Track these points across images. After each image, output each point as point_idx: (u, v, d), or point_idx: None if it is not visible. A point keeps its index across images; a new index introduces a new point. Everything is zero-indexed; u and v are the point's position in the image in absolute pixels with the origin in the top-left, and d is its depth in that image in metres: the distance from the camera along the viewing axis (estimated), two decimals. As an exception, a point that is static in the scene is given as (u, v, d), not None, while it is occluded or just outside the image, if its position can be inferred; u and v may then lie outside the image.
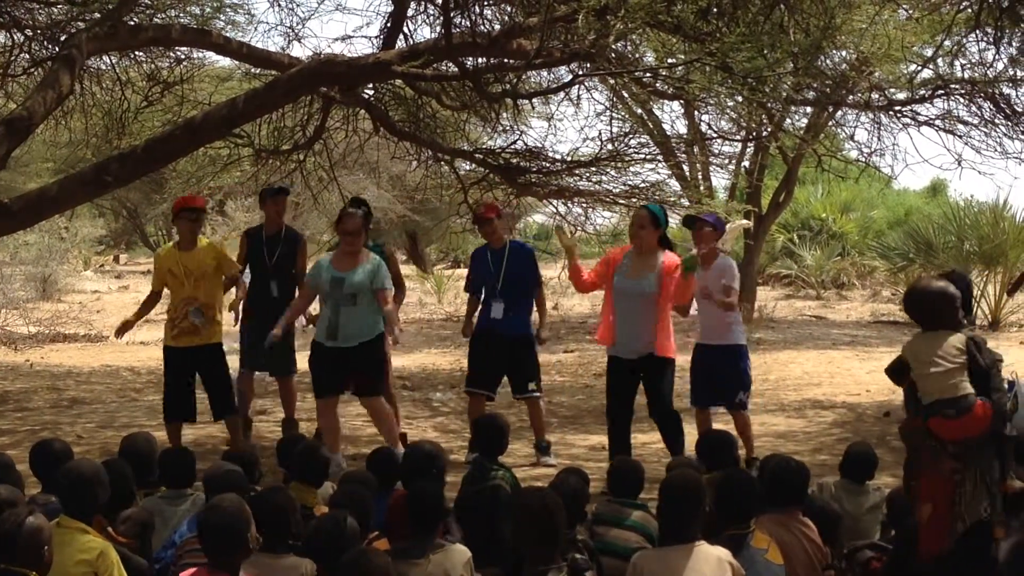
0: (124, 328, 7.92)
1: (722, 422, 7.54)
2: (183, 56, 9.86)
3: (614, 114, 10.08)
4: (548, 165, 9.34)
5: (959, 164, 10.56)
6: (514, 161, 9.25)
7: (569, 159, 9.29)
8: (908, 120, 11.12)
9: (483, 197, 9.75)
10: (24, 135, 7.41)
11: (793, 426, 9.35)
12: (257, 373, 8.89)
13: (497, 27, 8.39)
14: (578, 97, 9.32)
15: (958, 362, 4.48)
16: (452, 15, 7.73)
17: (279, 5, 9.51)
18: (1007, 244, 16.46)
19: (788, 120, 11.64)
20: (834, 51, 9.11)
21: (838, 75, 9.67)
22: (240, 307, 8.37)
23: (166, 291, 8.03)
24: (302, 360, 8.35)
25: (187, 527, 4.81)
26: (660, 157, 10.51)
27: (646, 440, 7.93)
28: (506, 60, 8.28)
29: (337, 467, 6.66)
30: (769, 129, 10.74)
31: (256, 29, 29.16)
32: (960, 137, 10.90)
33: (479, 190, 9.89)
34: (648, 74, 8.13)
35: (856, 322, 17.89)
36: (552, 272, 15.83)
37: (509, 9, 8.61)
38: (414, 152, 10.49)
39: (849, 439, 7.70)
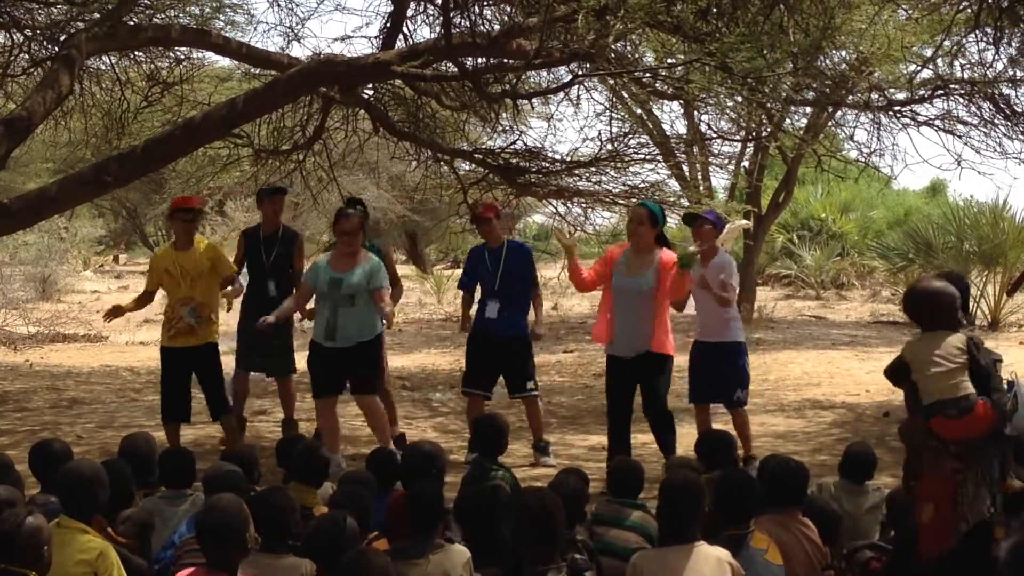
0: (114, 312, 7.91)
1: (721, 422, 7.54)
2: (183, 56, 9.86)
3: (614, 114, 10.08)
4: (548, 165, 9.34)
5: (959, 164, 10.58)
6: (514, 161, 9.25)
7: (569, 159, 9.29)
8: (908, 120, 11.13)
9: (483, 197, 9.75)
10: (24, 135, 7.41)
11: (793, 426, 9.35)
12: (257, 373, 8.90)
13: (497, 27, 8.39)
14: (578, 97, 9.33)
15: (959, 362, 4.48)
16: (452, 15, 7.73)
17: (279, 5, 9.53)
18: (1007, 244, 16.45)
19: (788, 120, 11.64)
20: (834, 51, 9.12)
21: (838, 75, 9.67)
22: (232, 296, 8.36)
23: (163, 292, 8.03)
24: (301, 360, 8.35)
25: (186, 527, 4.80)
26: (660, 157, 10.51)
27: (646, 440, 7.93)
28: (506, 60, 8.29)
29: (337, 467, 6.66)
30: (769, 129, 10.74)
31: (256, 29, 29.19)
32: (960, 137, 10.92)
33: (479, 190, 9.89)
34: (648, 74, 8.13)
35: (856, 322, 17.89)
36: (552, 272, 15.83)
37: (509, 9, 8.61)
38: (414, 152, 10.49)
39: (849, 439, 7.70)
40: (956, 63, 10.00)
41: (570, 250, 7.61)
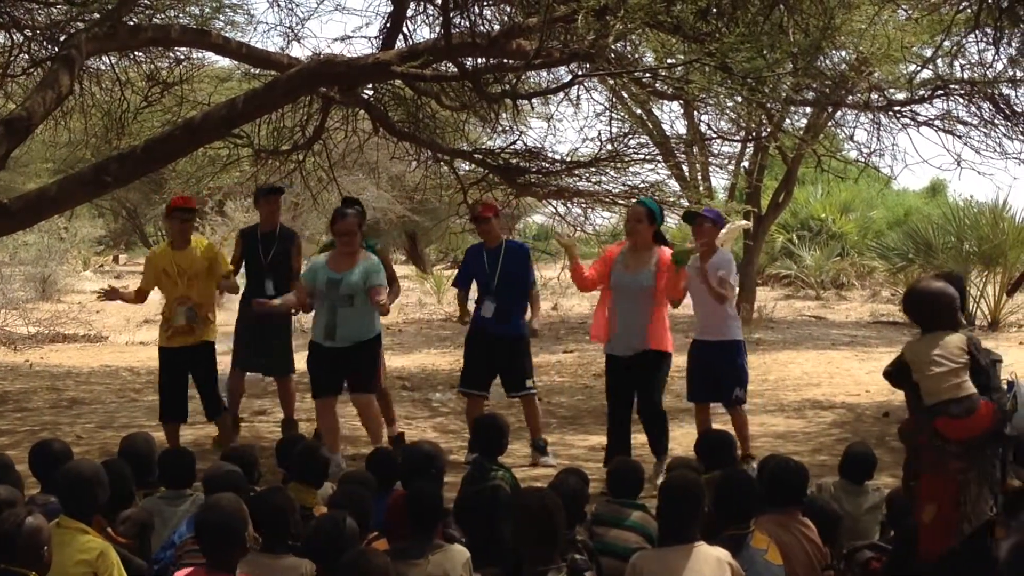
0: (111, 294, 7.92)
1: (721, 422, 7.54)
2: (182, 56, 9.87)
3: (613, 114, 10.09)
4: (547, 165, 9.34)
5: (958, 164, 10.60)
6: (513, 161, 9.25)
7: (568, 159, 9.29)
8: (907, 120, 11.15)
9: (483, 197, 9.75)
10: (23, 135, 7.41)
11: (792, 426, 9.34)
12: (256, 374, 8.91)
13: (496, 27, 8.39)
14: (577, 97, 9.34)
15: (961, 362, 4.48)
16: (451, 15, 7.74)
17: (278, 5, 9.55)
18: (1006, 244, 16.45)
19: (787, 120, 11.66)
20: (833, 51, 9.12)
21: (837, 75, 9.68)
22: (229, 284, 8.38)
23: (159, 292, 8.03)
24: (300, 361, 8.36)
25: (186, 527, 4.80)
26: (659, 157, 10.50)
27: (646, 440, 7.92)
28: (505, 60, 8.29)
29: (337, 467, 6.66)
30: (768, 129, 10.74)
31: (255, 29, 29.24)
32: (959, 137, 10.93)
33: (478, 190, 9.89)
34: (647, 74, 8.14)
35: (855, 322, 17.89)
36: (552, 272, 15.83)
37: (508, 9, 8.61)
38: (413, 152, 10.49)
39: (848, 439, 7.70)
40: (956, 63, 10.02)
41: (571, 250, 7.61)
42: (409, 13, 8.69)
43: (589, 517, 5.16)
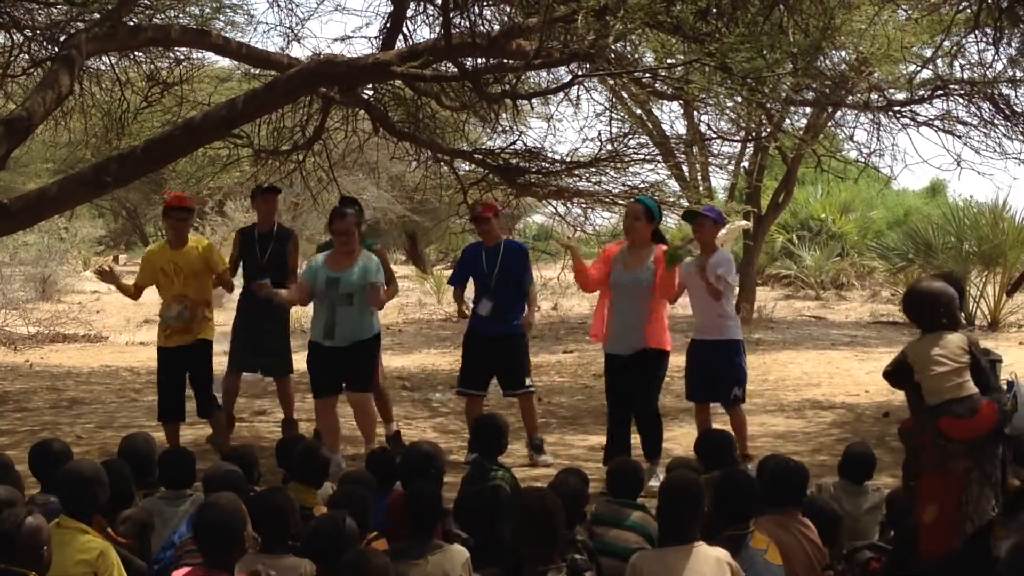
0: (108, 276, 7.91)
1: (720, 422, 7.54)
2: (182, 56, 9.88)
3: (613, 114, 10.10)
4: (547, 165, 9.35)
5: (958, 164, 10.60)
6: (513, 161, 9.26)
7: (568, 159, 9.29)
8: (907, 120, 11.15)
9: (482, 197, 9.75)
10: (23, 135, 7.42)
11: (792, 426, 9.34)
12: (258, 374, 8.92)
13: (496, 27, 8.39)
14: (577, 97, 9.34)
15: (963, 361, 4.48)
16: (451, 15, 7.74)
17: (278, 5, 9.56)
18: (1006, 244, 16.45)
19: (787, 120, 11.65)
20: (833, 51, 9.13)
21: (837, 75, 9.68)
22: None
23: (155, 292, 8.04)
24: (299, 361, 8.36)
25: (186, 528, 4.80)
26: (659, 157, 10.51)
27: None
28: (505, 60, 8.29)
29: (336, 467, 6.66)
30: (768, 129, 10.74)
31: (255, 29, 29.21)
32: (959, 137, 10.94)
33: (478, 190, 9.90)
34: (647, 74, 8.14)
35: (855, 322, 17.89)
36: (551, 272, 15.83)
37: (508, 9, 8.61)
38: (413, 152, 10.50)
39: (848, 439, 7.69)
40: (956, 63, 10.02)
41: (574, 251, 7.59)
42: (409, 13, 8.70)
43: (589, 517, 5.16)
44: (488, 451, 5.77)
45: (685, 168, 14.01)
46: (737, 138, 11.87)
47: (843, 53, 9.57)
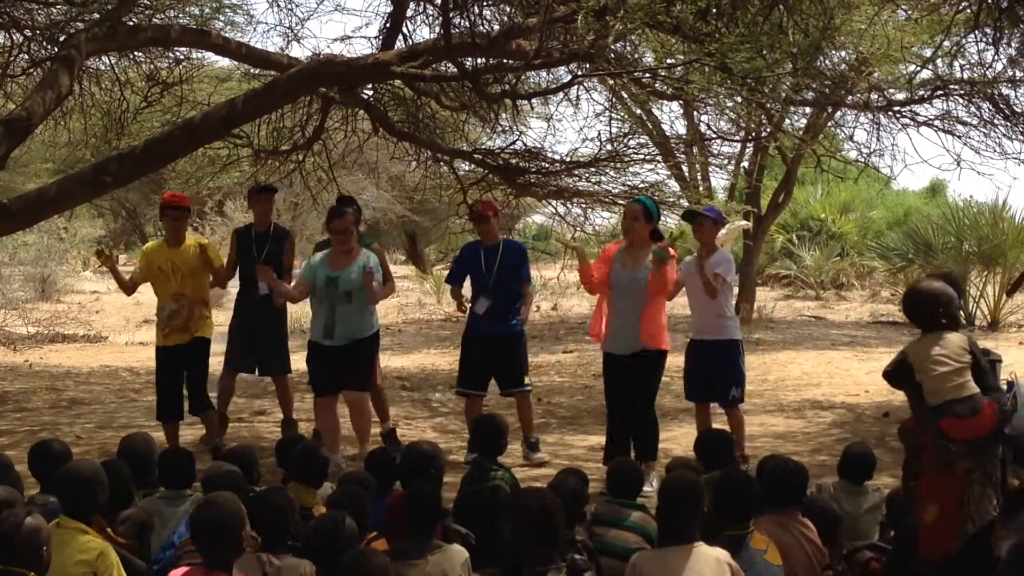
0: (108, 258, 7.95)
1: (720, 422, 7.54)
2: (182, 56, 9.87)
3: (613, 114, 10.10)
4: (547, 166, 9.34)
5: (958, 164, 10.61)
6: (513, 161, 9.25)
7: (568, 159, 9.29)
8: (907, 120, 11.16)
9: (482, 197, 9.75)
10: (23, 135, 7.41)
11: (792, 427, 9.34)
12: (256, 375, 8.92)
13: (496, 27, 8.39)
14: (577, 97, 9.35)
15: (964, 361, 4.48)
16: (451, 15, 7.73)
17: (278, 5, 9.55)
18: (1006, 244, 16.45)
19: (787, 120, 11.66)
20: (833, 52, 9.13)
21: (837, 75, 9.68)
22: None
23: (152, 291, 8.05)
24: (298, 361, 8.36)
25: (186, 528, 4.79)
26: (659, 157, 10.51)
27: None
28: (505, 60, 8.29)
29: (336, 467, 6.66)
30: (768, 129, 10.74)
31: (255, 29, 29.25)
32: (959, 137, 10.94)
33: (478, 190, 9.89)
34: (647, 74, 8.14)
35: (855, 322, 17.89)
36: (551, 272, 15.83)
37: (508, 9, 8.61)
38: (413, 152, 10.49)
39: (848, 439, 7.69)
40: (956, 63, 10.03)
41: (580, 253, 7.54)
42: (409, 13, 8.70)
43: (589, 517, 5.16)
44: (488, 451, 5.77)
45: (685, 168, 14.01)
46: (737, 138, 11.87)
47: (843, 53, 9.57)
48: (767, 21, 7.34)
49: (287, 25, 11.09)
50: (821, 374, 12.20)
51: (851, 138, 13.05)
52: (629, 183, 9.38)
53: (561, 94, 8.91)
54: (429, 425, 9.49)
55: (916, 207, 27.66)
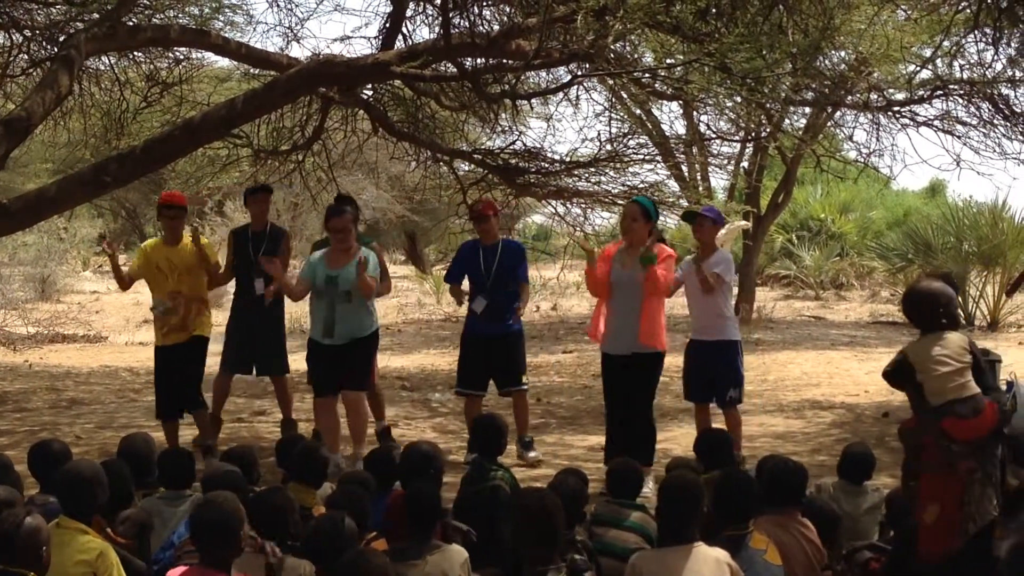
0: (111, 246, 7.97)
1: (720, 422, 7.54)
2: (182, 57, 9.87)
3: (613, 115, 10.09)
4: (547, 166, 9.34)
5: (958, 164, 10.61)
6: (513, 162, 9.25)
7: (568, 160, 9.29)
8: (907, 120, 11.16)
9: (482, 197, 9.74)
10: (23, 136, 7.41)
11: (792, 427, 9.34)
12: (254, 376, 8.92)
13: (496, 28, 8.39)
14: (577, 98, 9.34)
15: (965, 361, 4.48)
16: (451, 16, 7.73)
17: (278, 6, 9.54)
18: (1006, 245, 16.46)
19: (787, 120, 11.66)
20: (833, 52, 9.13)
21: (837, 76, 9.69)
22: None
23: (150, 290, 8.06)
24: (298, 362, 8.35)
25: (185, 528, 4.79)
26: (659, 158, 10.51)
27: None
28: (505, 61, 8.29)
29: (336, 467, 6.66)
30: (768, 129, 10.75)
31: (255, 30, 29.24)
32: (959, 138, 10.95)
33: (478, 190, 9.89)
34: (647, 74, 8.14)
35: (855, 323, 17.89)
36: (551, 272, 15.84)
37: (508, 10, 8.61)
38: (413, 152, 10.50)
39: (848, 440, 7.69)
40: (955, 63, 10.03)
41: (591, 255, 7.46)
42: (408, 13, 8.69)
43: (588, 517, 5.16)
44: (488, 451, 5.77)
45: (685, 168, 14.02)
46: (737, 138, 11.88)
47: (842, 53, 9.57)
48: (767, 21, 7.34)
49: (287, 25, 11.07)
50: (821, 374, 12.20)
51: (851, 138, 13.06)
52: (629, 183, 9.38)
53: (561, 94, 8.91)
54: (429, 425, 9.49)
55: (916, 207, 27.66)
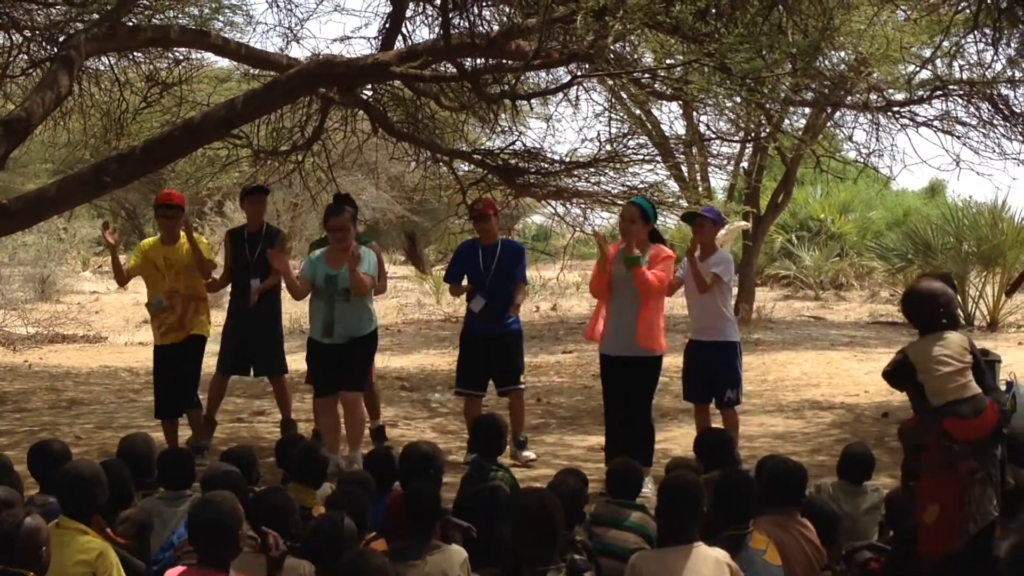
0: (113, 235, 7.96)
1: (719, 422, 7.54)
2: (182, 57, 9.87)
3: (612, 115, 10.09)
4: (547, 166, 9.35)
5: (957, 165, 10.61)
6: (513, 162, 9.26)
7: (568, 160, 9.29)
8: (906, 121, 11.16)
9: (482, 197, 9.74)
10: (23, 136, 7.41)
11: (791, 427, 9.34)
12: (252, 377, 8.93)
13: (496, 28, 8.39)
14: (576, 98, 9.34)
15: (966, 361, 4.48)
16: (451, 16, 7.73)
17: (278, 6, 9.53)
18: (1005, 245, 16.46)
19: (786, 121, 11.66)
20: (832, 52, 9.13)
21: (836, 76, 9.69)
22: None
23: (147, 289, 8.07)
24: (297, 362, 8.35)
25: (185, 528, 4.79)
26: (658, 158, 10.51)
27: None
28: (505, 61, 8.29)
29: (336, 467, 6.66)
30: (767, 130, 10.74)
31: (255, 30, 29.23)
32: (958, 138, 10.94)
33: (478, 191, 9.89)
34: (647, 75, 8.14)
35: (855, 323, 17.90)
36: (551, 272, 15.83)
37: (508, 10, 8.61)
38: (413, 153, 10.49)
39: (847, 440, 7.69)
40: (955, 64, 10.03)
41: (606, 255, 7.43)
42: (408, 14, 8.69)
43: (588, 517, 5.16)
44: (487, 451, 5.77)
45: (684, 168, 14.02)
46: (736, 138, 11.87)
47: (842, 53, 9.57)
48: (766, 21, 7.34)
49: (287, 25, 11.07)
50: (820, 374, 12.20)
51: (850, 138, 13.05)
52: (628, 183, 9.39)
53: (560, 94, 8.91)
54: (428, 425, 9.49)
55: (915, 207, 27.67)
